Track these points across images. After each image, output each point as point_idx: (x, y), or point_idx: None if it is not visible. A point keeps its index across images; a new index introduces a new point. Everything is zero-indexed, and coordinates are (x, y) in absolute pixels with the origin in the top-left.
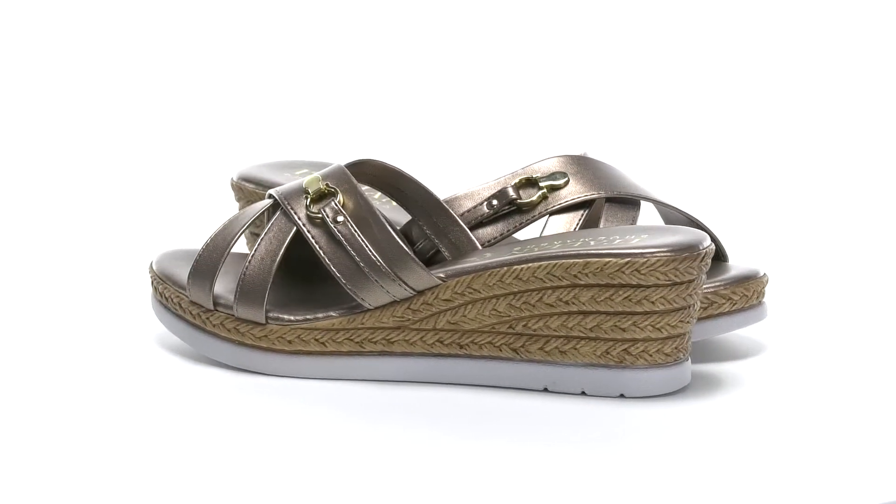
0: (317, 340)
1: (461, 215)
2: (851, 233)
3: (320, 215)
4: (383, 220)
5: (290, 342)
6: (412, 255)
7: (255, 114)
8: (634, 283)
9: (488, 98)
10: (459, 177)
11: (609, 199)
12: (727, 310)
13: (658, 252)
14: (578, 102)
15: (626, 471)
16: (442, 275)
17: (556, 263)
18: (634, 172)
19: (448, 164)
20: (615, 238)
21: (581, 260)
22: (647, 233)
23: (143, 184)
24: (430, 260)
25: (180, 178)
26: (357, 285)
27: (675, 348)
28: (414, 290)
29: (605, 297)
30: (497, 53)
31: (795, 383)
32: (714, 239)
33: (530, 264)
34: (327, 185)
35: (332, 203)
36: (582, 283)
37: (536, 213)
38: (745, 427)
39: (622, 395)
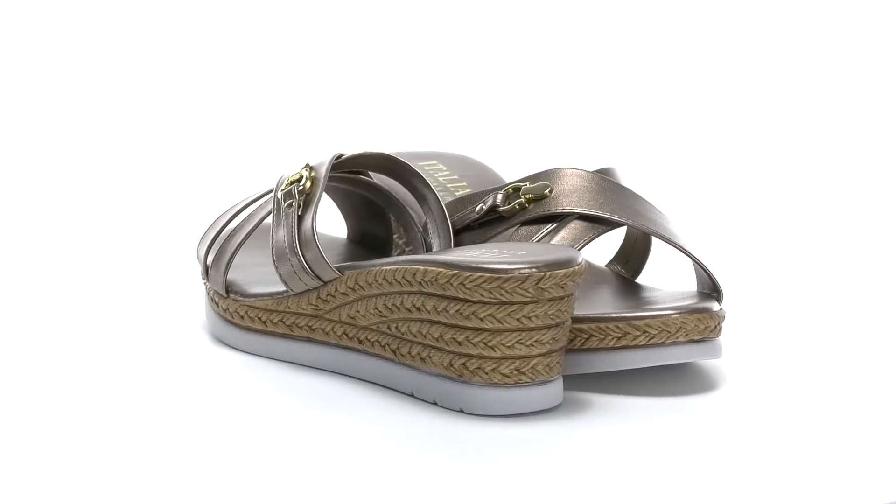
0: (259, 319)
1: (457, 216)
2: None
3: (280, 198)
4: (313, 210)
5: (242, 317)
6: (318, 245)
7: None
8: (462, 297)
9: (555, 110)
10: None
11: (581, 216)
12: (643, 342)
13: (485, 267)
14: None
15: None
16: (340, 268)
17: (406, 269)
18: (649, 195)
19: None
20: (494, 252)
21: (422, 267)
22: (527, 250)
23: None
24: None
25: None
26: (283, 268)
27: (516, 370)
28: (321, 279)
29: (443, 308)
30: (561, 68)
31: (750, 408)
32: (706, 272)
33: (390, 267)
34: (309, 170)
35: (293, 189)
36: (426, 291)
37: (512, 222)
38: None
39: (461, 411)
